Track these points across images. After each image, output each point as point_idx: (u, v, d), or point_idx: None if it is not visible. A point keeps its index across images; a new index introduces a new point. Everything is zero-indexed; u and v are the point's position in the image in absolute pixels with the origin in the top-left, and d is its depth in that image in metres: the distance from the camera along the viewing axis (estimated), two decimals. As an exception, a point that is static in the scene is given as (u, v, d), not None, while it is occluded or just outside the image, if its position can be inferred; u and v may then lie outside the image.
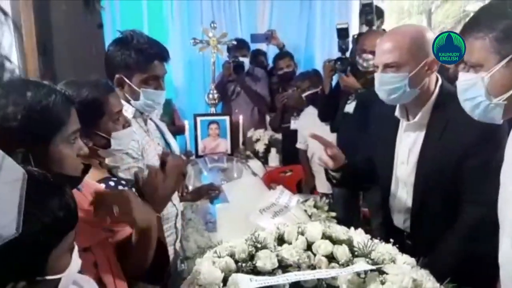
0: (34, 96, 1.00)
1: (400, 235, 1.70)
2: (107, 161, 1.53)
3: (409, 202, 1.67)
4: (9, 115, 0.96)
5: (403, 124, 1.68)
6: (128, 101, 1.72)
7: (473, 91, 1.19)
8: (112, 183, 1.38)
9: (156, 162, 1.72)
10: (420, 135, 1.61)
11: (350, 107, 2.73)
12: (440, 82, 1.61)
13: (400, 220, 1.73)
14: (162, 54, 1.72)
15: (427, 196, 1.61)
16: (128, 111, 1.71)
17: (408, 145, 1.65)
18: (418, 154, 1.61)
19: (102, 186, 1.31)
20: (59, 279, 0.81)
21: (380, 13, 3.56)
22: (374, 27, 3.21)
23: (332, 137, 3.06)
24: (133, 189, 1.30)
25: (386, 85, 1.57)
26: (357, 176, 1.85)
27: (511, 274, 1.21)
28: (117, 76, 1.68)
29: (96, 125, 1.40)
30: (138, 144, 1.64)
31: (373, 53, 2.58)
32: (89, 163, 1.17)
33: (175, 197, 1.85)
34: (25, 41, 2.66)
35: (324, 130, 3.09)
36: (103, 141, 1.42)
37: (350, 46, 2.99)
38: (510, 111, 1.17)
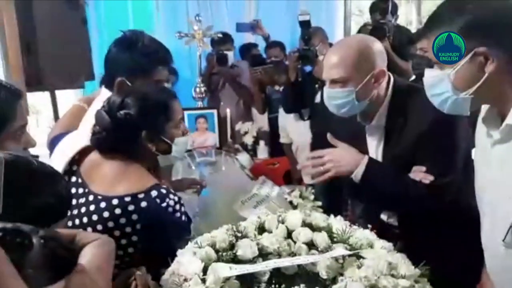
0: None
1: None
2: None
3: None
4: None
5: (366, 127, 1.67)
6: None
7: (440, 87, 1.20)
8: (163, 191, 1.35)
9: None
10: (381, 139, 1.62)
11: (319, 97, 2.78)
12: (392, 82, 1.60)
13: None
14: (166, 59, 1.69)
15: None
16: None
17: (372, 149, 1.65)
18: (381, 157, 1.63)
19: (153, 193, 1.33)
20: None
21: (394, 9, 3.59)
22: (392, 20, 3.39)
23: (306, 126, 3.09)
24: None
25: (334, 100, 1.57)
26: None
27: (494, 254, 1.25)
28: (118, 79, 1.60)
29: (162, 130, 1.39)
30: None
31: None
32: None
33: None
34: (8, 40, 2.66)
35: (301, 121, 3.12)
36: (164, 146, 1.42)
37: None
38: (477, 103, 1.20)
